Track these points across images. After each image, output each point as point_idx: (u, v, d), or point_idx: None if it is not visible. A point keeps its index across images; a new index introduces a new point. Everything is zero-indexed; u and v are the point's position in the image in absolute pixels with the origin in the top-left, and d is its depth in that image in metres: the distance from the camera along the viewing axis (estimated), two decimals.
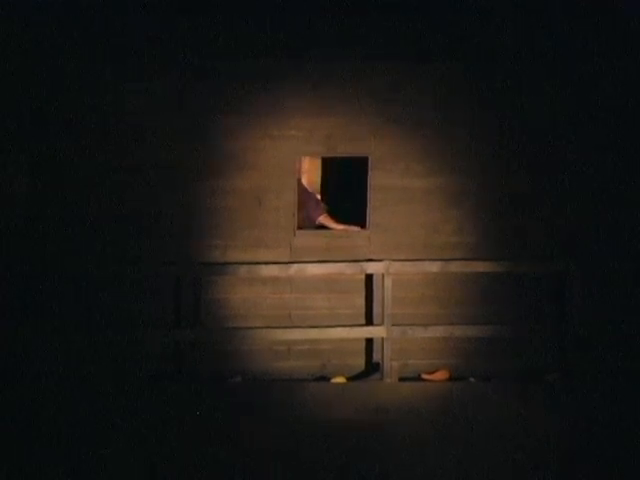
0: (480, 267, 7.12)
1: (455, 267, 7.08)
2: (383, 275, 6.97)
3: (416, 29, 7.23)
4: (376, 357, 7.18)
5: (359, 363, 7.30)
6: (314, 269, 7.02)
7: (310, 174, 8.04)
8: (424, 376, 7.22)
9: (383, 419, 5.81)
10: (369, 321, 7.23)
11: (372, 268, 7.02)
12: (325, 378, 7.21)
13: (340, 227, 7.39)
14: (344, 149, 7.26)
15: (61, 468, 4.87)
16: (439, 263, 7.06)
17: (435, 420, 5.77)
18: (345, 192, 8.07)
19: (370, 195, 7.28)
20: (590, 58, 7.34)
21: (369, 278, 7.23)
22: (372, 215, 7.29)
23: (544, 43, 7.32)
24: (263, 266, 6.97)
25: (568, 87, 7.35)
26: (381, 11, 7.15)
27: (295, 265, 6.99)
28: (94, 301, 7.02)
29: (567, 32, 7.32)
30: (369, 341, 7.24)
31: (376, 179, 7.27)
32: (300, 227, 7.28)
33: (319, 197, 8.03)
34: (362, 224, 7.33)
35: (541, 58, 7.32)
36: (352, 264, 7.03)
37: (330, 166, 8.79)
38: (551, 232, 7.36)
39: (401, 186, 7.29)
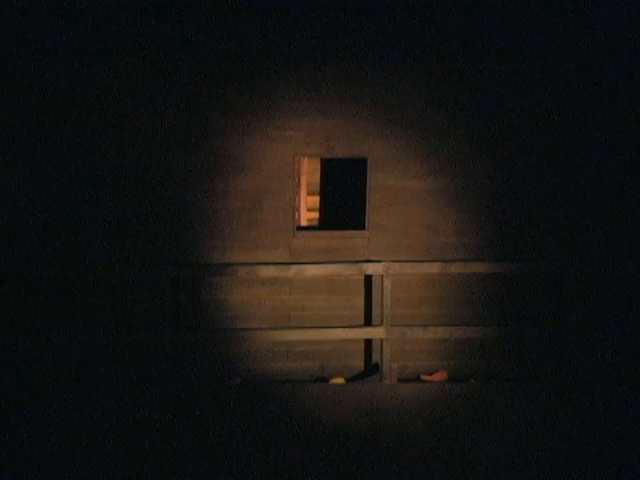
0: (479, 268, 7.10)
1: (454, 268, 7.07)
2: (382, 276, 6.97)
3: (416, 29, 7.24)
4: (375, 358, 7.19)
5: (358, 364, 7.31)
6: (313, 270, 7.01)
7: (309, 175, 8.06)
8: (423, 377, 7.23)
9: (382, 420, 5.81)
10: (368, 322, 7.23)
11: (371, 269, 7.02)
12: (324, 379, 7.22)
13: None
14: (343, 150, 7.26)
15: (60, 468, 4.86)
16: (438, 264, 7.06)
17: (434, 421, 5.77)
18: (344, 193, 8.08)
19: (369, 196, 7.29)
20: (589, 58, 7.34)
21: (368, 279, 7.24)
22: (371, 216, 7.29)
23: (544, 43, 7.33)
24: (262, 267, 6.96)
25: (568, 87, 7.35)
26: (381, 12, 7.15)
27: (294, 266, 6.98)
28: (93, 302, 7.03)
29: (566, 32, 7.33)
30: (368, 342, 7.25)
31: (375, 180, 7.27)
32: None
33: None
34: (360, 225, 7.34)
35: (541, 58, 7.32)
36: (351, 265, 7.02)
37: (329, 167, 8.79)
38: (551, 232, 7.37)
39: (400, 187, 7.30)
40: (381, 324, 6.99)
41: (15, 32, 6.97)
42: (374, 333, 7.01)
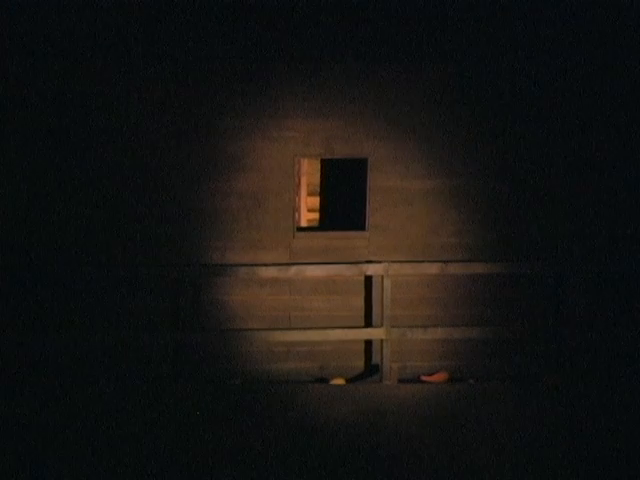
0: (479, 268, 7.11)
1: (454, 268, 7.07)
2: (382, 276, 6.97)
3: (415, 30, 7.24)
4: (375, 359, 7.18)
5: (358, 365, 7.30)
6: (313, 271, 7.01)
7: (309, 176, 8.06)
8: (423, 378, 7.23)
9: (382, 421, 5.80)
10: (368, 323, 7.23)
11: (371, 269, 7.02)
12: (324, 380, 7.22)
13: None
14: (343, 151, 7.26)
15: (59, 468, 4.87)
16: (438, 264, 7.06)
17: (434, 422, 5.77)
18: (344, 194, 8.07)
19: (369, 197, 7.28)
20: (589, 59, 7.35)
21: (368, 279, 7.23)
22: (371, 217, 7.29)
23: (543, 44, 7.33)
24: (262, 267, 6.97)
25: (568, 87, 7.35)
26: (380, 13, 7.15)
27: (294, 267, 6.98)
28: (93, 302, 7.03)
29: (564, 33, 7.34)
30: (368, 343, 7.24)
31: (375, 181, 7.27)
32: None
33: None
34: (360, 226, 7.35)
35: (541, 59, 7.32)
36: (351, 265, 7.02)
37: (329, 168, 8.79)
38: (550, 232, 7.37)
39: (400, 188, 7.29)
40: (381, 325, 6.99)
41: (14, 32, 6.98)
42: (374, 334, 7.01)
